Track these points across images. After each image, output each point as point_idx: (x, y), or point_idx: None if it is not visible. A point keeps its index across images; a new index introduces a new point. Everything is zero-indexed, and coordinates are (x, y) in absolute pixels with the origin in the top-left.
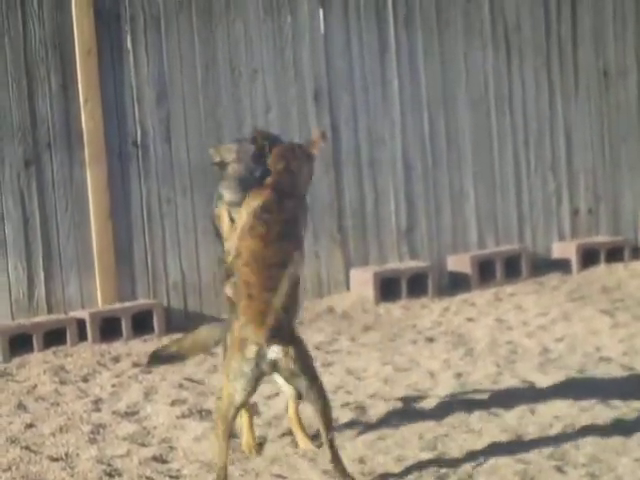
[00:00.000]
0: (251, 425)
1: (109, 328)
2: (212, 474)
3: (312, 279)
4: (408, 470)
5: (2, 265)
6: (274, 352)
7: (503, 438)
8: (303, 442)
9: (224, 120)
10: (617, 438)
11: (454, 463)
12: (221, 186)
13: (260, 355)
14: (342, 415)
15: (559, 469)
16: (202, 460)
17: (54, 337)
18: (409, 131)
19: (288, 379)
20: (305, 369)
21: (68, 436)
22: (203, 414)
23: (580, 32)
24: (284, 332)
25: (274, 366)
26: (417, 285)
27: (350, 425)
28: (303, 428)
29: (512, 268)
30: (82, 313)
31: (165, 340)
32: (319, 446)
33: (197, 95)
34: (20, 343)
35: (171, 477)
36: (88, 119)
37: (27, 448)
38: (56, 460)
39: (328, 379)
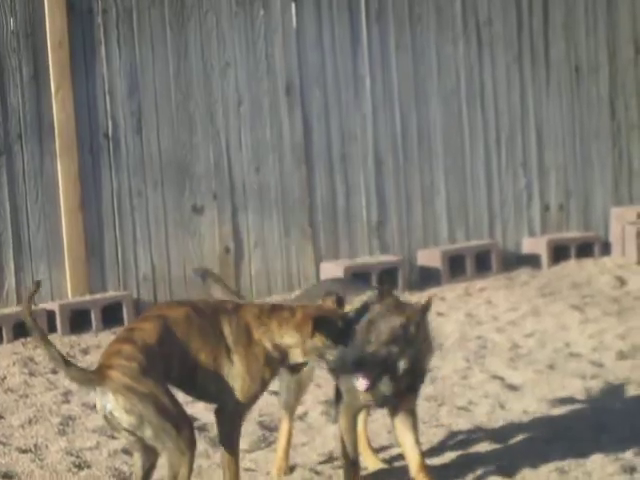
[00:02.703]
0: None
1: (79, 320)
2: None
3: (283, 273)
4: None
5: None
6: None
7: (473, 433)
8: (370, 460)
9: (196, 113)
10: (587, 434)
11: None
12: None
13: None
14: (313, 409)
15: (529, 464)
16: None
17: (23, 328)
18: (380, 126)
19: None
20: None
21: (37, 428)
22: None
23: (552, 27)
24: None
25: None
26: (387, 279)
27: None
28: (369, 446)
29: (482, 263)
30: (52, 305)
31: None
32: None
33: (169, 88)
34: None
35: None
36: (59, 110)
37: None
38: (25, 452)
39: None
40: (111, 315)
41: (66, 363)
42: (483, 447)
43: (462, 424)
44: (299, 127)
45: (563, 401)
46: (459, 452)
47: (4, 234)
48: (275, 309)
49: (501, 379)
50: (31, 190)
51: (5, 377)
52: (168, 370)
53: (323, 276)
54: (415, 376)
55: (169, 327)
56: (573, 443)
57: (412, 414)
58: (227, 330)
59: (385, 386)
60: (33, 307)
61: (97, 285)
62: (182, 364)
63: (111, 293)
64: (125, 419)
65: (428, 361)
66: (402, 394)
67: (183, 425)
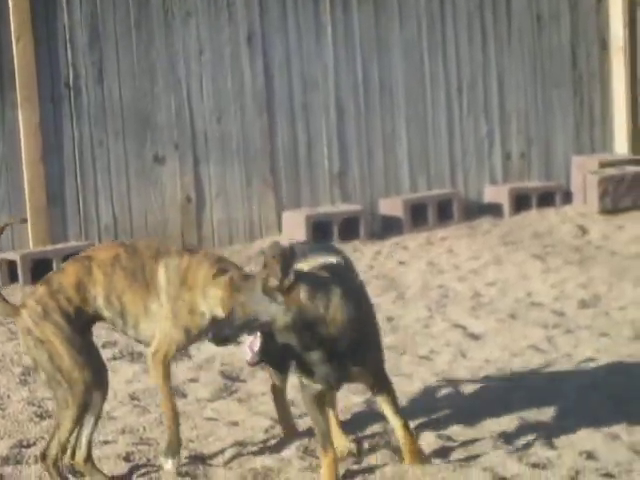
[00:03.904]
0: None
1: (40, 270)
2: (144, 416)
3: (244, 222)
4: (338, 412)
5: None
6: None
7: (434, 382)
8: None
9: (157, 62)
10: (548, 383)
11: None
12: None
13: None
14: None
15: (491, 412)
16: (134, 402)
17: None
18: (342, 75)
19: None
20: None
21: None
22: (134, 356)
23: None
24: None
25: None
26: (349, 228)
27: None
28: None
29: (444, 212)
30: (13, 254)
31: None
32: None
33: (130, 37)
34: None
35: (102, 418)
36: (20, 60)
37: None
38: None
39: None
40: None
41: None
42: (444, 396)
43: (423, 373)
44: (260, 76)
45: (524, 350)
46: (420, 401)
47: None
48: (214, 263)
49: (463, 328)
50: None
51: None
52: (87, 314)
53: (285, 225)
54: (345, 351)
55: (91, 269)
56: (534, 392)
57: (385, 389)
58: (162, 272)
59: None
60: None
61: (59, 235)
62: (108, 305)
63: (73, 243)
64: (28, 358)
65: (339, 329)
66: (347, 372)
67: (77, 380)
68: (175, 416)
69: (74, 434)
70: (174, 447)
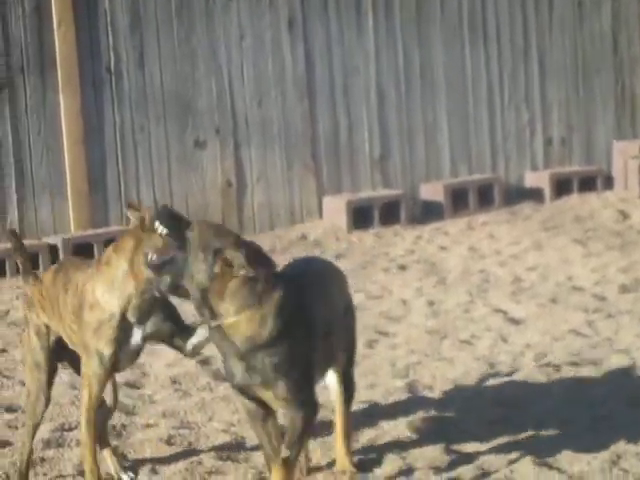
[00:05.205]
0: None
1: (81, 254)
2: (185, 400)
3: (285, 207)
4: (380, 397)
5: None
6: None
7: (475, 366)
8: None
9: (198, 48)
10: (588, 368)
11: (426, 390)
12: None
13: None
14: None
15: (531, 397)
16: (174, 386)
17: None
18: (383, 61)
19: None
20: None
21: None
22: None
23: None
24: None
25: None
26: (390, 213)
27: None
28: None
29: (485, 197)
30: (55, 239)
31: None
32: None
33: (171, 22)
34: None
35: (144, 402)
36: (61, 43)
37: None
38: None
39: None
40: None
41: (26, 273)
42: (485, 380)
43: (464, 357)
44: (301, 61)
45: (564, 335)
46: (461, 385)
47: (7, 168)
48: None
49: (504, 313)
50: (34, 123)
51: (8, 311)
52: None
53: (325, 210)
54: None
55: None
56: (576, 375)
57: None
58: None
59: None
60: (36, 242)
61: (100, 219)
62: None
63: (114, 227)
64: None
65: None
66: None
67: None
68: None
69: None
70: None
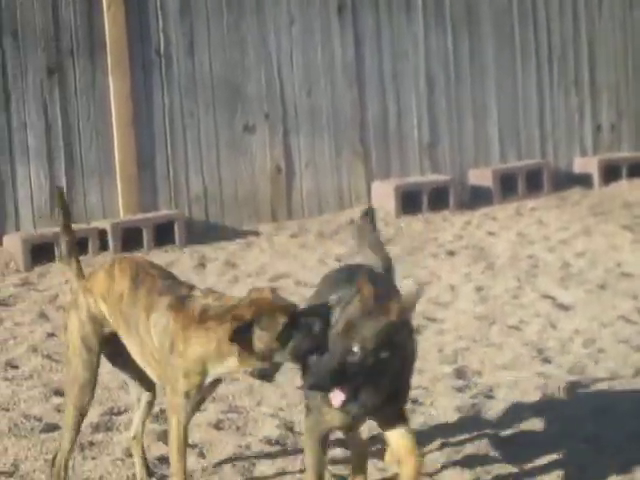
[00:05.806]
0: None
1: (131, 238)
2: (234, 384)
3: (334, 192)
4: (428, 382)
5: (24, 173)
6: None
7: (523, 352)
8: None
9: (248, 35)
10: (637, 354)
11: (474, 376)
12: None
13: None
14: None
15: (579, 383)
16: None
17: (79, 246)
18: (432, 46)
19: None
20: None
21: None
22: None
23: None
24: None
25: None
26: (438, 199)
27: None
28: None
29: (534, 183)
30: (104, 223)
31: (186, 251)
32: None
33: (221, 8)
34: (42, 252)
35: None
36: (111, 26)
37: (48, 357)
38: None
39: None
40: (163, 234)
41: (70, 256)
42: (534, 366)
43: (513, 343)
44: (350, 48)
45: (613, 321)
46: (509, 371)
47: (56, 151)
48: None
49: (552, 298)
50: (83, 107)
51: (57, 295)
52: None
53: (374, 195)
54: (398, 388)
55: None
56: (625, 362)
57: (403, 421)
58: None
59: (366, 401)
60: (85, 226)
61: (149, 204)
62: None
63: (163, 212)
64: None
65: (412, 367)
66: (382, 411)
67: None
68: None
69: None
70: None
